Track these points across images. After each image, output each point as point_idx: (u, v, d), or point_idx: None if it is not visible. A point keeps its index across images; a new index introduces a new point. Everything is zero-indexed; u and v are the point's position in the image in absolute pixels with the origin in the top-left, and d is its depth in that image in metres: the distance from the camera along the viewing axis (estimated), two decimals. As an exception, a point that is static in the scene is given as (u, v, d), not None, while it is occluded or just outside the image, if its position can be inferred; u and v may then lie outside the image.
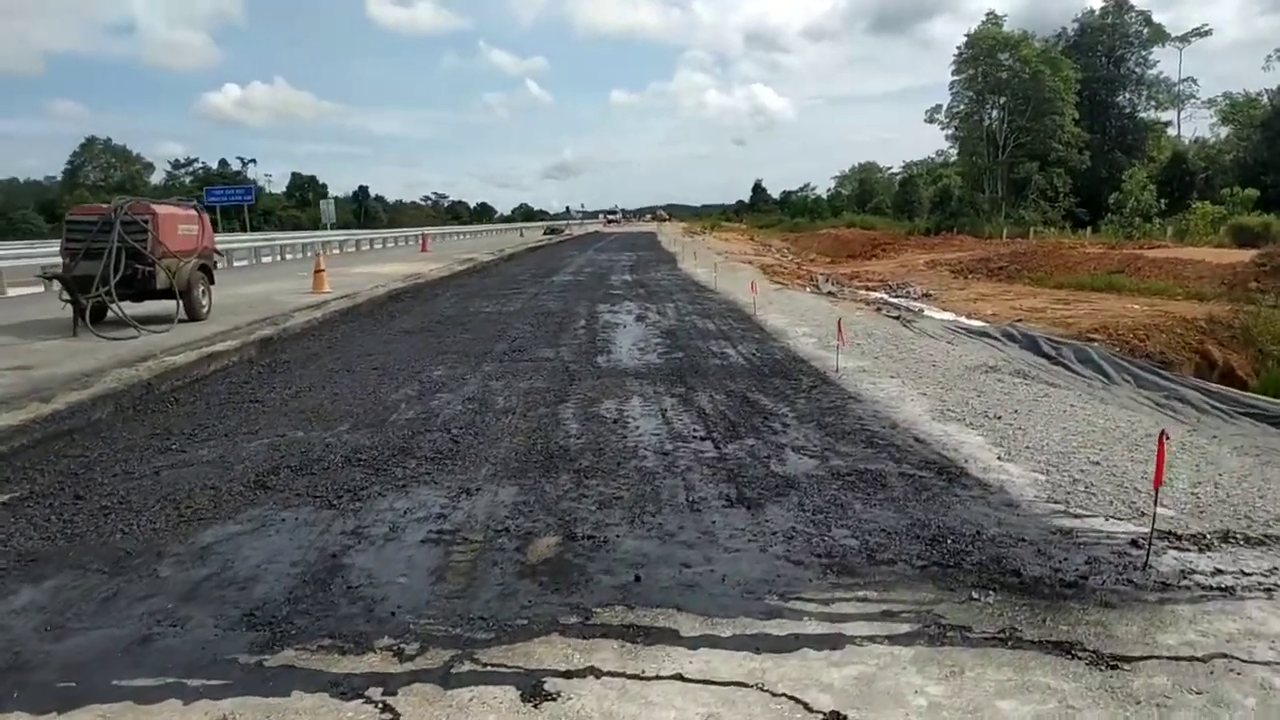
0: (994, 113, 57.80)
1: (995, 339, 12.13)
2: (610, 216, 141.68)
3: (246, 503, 4.69)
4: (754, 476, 5.06)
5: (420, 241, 35.93)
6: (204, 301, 10.99)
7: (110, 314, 10.08)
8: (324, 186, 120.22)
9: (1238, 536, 4.08)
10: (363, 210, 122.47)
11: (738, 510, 4.50)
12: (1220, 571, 3.69)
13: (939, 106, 61.65)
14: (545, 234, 61.69)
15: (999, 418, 6.42)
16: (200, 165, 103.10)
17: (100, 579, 3.77)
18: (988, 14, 56.70)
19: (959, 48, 57.87)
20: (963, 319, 16.96)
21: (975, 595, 3.46)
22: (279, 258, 28.91)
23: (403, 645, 3.10)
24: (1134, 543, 3.98)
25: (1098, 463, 5.28)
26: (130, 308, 10.11)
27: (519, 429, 6.20)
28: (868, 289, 25.37)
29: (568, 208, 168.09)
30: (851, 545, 4.00)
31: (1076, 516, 4.37)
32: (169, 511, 4.56)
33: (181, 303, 10.45)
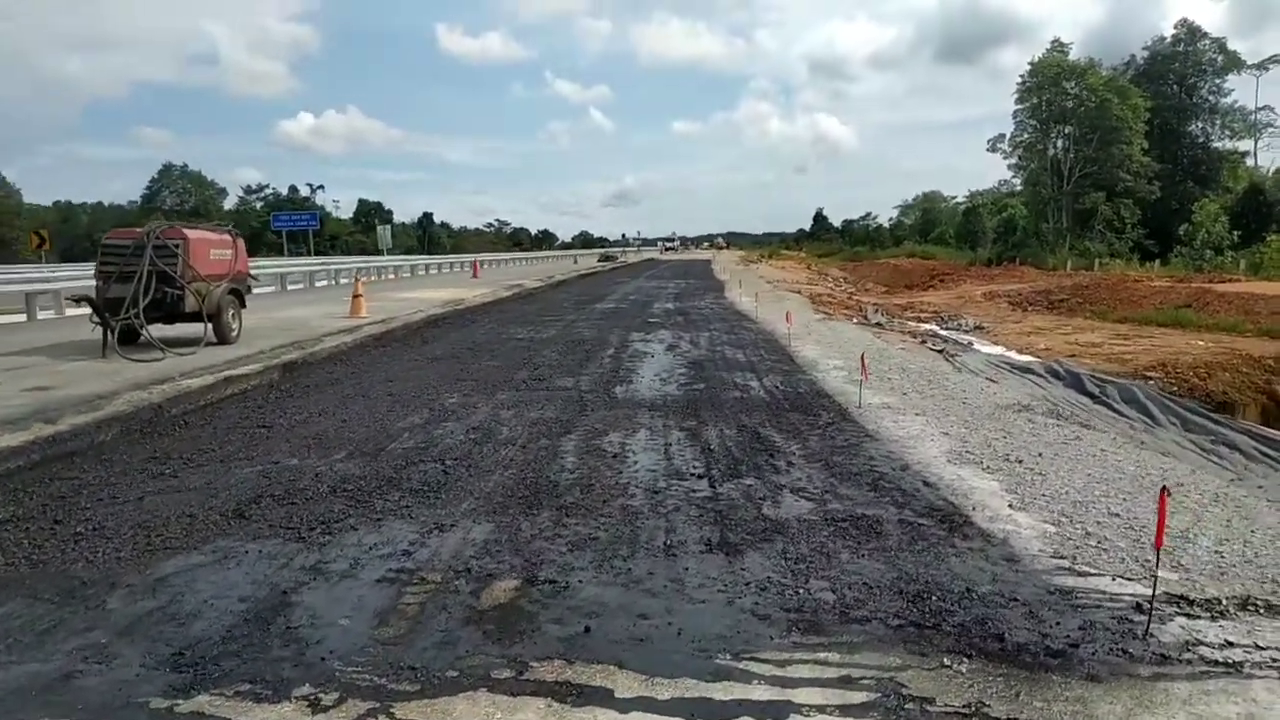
0: (1059, 142, 56.43)
1: (1039, 376, 11.62)
2: (668, 245, 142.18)
3: (218, 533, 4.60)
4: (742, 519, 4.81)
5: (472, 268, 36.34)
6: (234, 325, 11.14)
7: (142, 336, 10.27)
8: (389, 212, 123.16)
9: (1259, 604, 3.70)
10: (426, 236, 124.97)
11: (715, 557, 4.26)
12: (1230, 644, 3.33)
13: (1002, 135, 60.48)
14: (600, 260, 62.02)
15: (1020, 461, 6.06)
16: (271, 191, 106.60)
17: (47, 609, 3.70)
18: (1053, 41, 55.67)
19: (1022, 76, 56.79)
20: (1011, 354, 16.39)
21: (948, 662, 3.17)
22: (334, 282, 29.46)
23: (321, 695, 2.94)
24: (1138, 607, 3.63)
25: (1117, 514, 4.90)
26: (163, 330, 10.29)
27: (514, 461, 6.05)
28: (919, 320, 24.78)
29: (624, 235, 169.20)
30: (826, 600, 3.73)
31: (1081, 575, 4.02)
32: (139, 539, 4.50)
33: (211, 326, 10.59)
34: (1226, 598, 3.76)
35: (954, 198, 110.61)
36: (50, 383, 7.78)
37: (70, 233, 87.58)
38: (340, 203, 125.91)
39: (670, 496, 5.26)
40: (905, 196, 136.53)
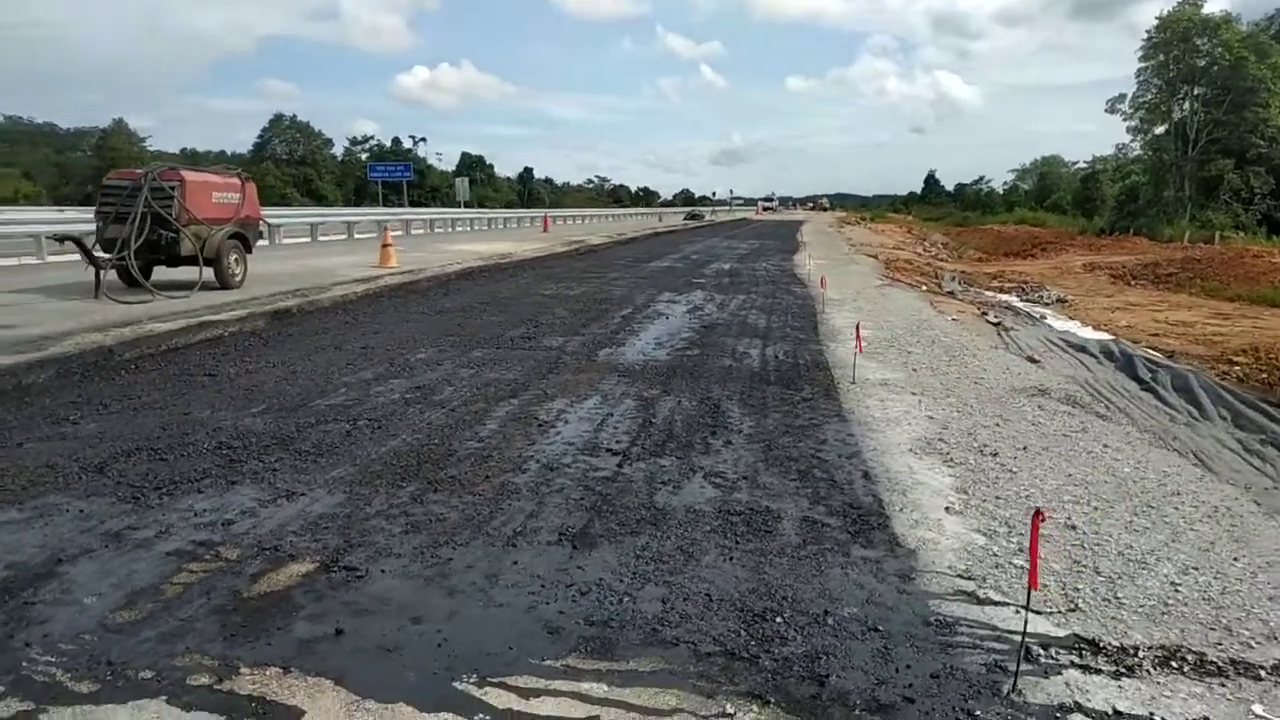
0: (1185, 104, 51.91)
1: (1091, 356, 10.46)
2: (766, 204, 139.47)
3: (57, 488, 4.32)
4: (624, 507, 4.22)
5: (542, 222, 36.07)
6: (236, 270, 11.03)
7: (158, 276, 10.25)
8: (490, 166, 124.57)
9: (1188, 659, 2.92)
10: (526, 190, 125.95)
11: (558, 550, 3.70)
12: (1118, 715, 2.58)
13: (1122, 96, 55.93)
14: (686, 219, 61.04)
15: (995, 455, 5.25)
16: (375, 142, 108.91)
17: None
18: (1188, -7, 50.85)
19: (1148, 32, 52.22)
20: (1082, 330, 15.02)
21: (731, 709, 2.54)
22: (405, 232, 29.65)
23: (-22, 691, 2.53)
24: (1027, 652, 2.90)
25: (1074, 527, 4.11)
26: (168, 274, 10.24)
27: (429, 425, 5.60)
28: (1000, 290, 23.21)
29: (713, 193, 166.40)
30: (647, 613, 3.13)
31: (981, 603, 3.30)
32: (-26, 490, 4.21)
33: (212, 270, 10.49)
34: (1149, 647, 2.99)
35: (1075, 163, 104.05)
36: (14, 320, 7.73)
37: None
38: (443, 155, 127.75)
39: (564, 475, 4.70)
40: (1024, 160, 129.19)
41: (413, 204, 67.83)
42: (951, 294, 19.79)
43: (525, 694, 2.61)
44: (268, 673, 2.69)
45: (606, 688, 2.65)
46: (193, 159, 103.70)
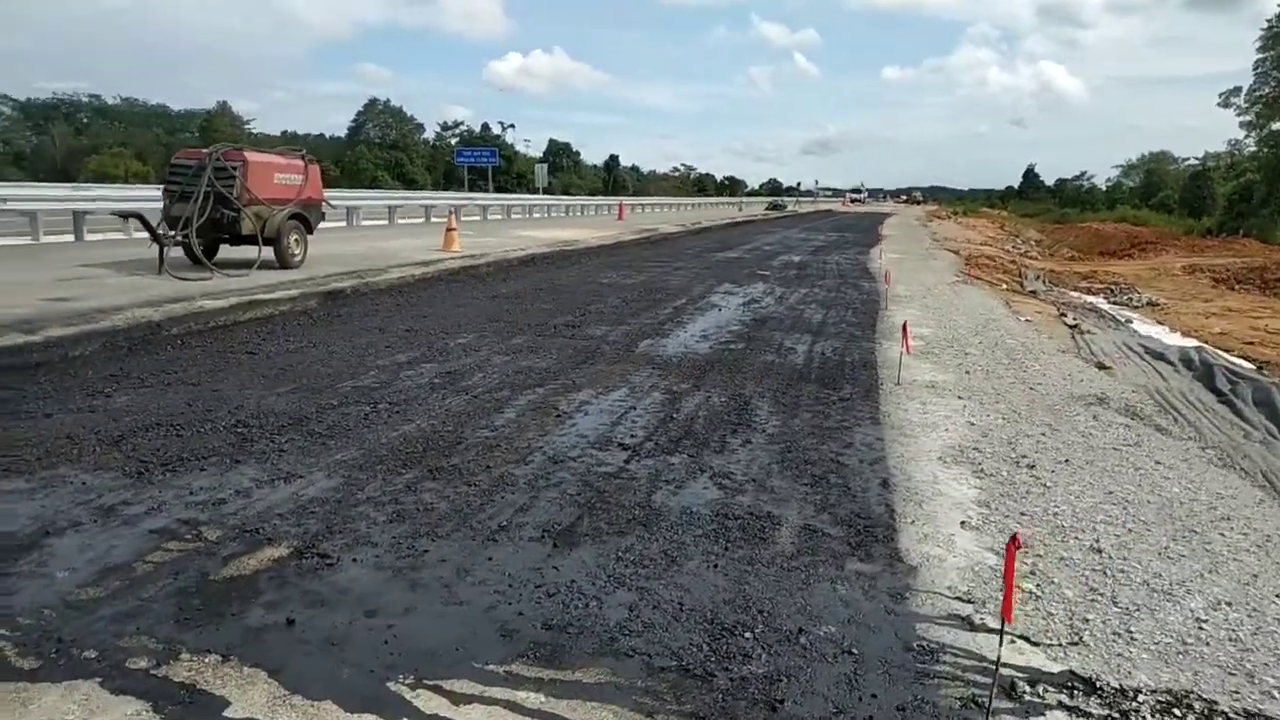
0: (1308, 97, 48.54)
1: (1170, 364, 9.82)
2: (854, 196, 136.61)
3: (69, 459, 4.41)
4: (619, 504, 4.09)
5: (617, 210, 36.04)
6: (296, 250, 11.24)
7: (219, 254, 10.55)
8: (577, 153, 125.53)
9: (1195, 706, 2.64)
10: (612, 178, 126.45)
11: (538, 547, 3.59)
12: (1097, 766, 2.33)
13: (1237, 89, 52.67)
14: (768, 209, 60.27)
15: (1031, 467, 4.93)
16: (465, 128, 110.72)
17: None
18: (1316, -22, 47.33)
19: (1269, 21, 48.99)
20: (1166, 336, 14.18)
21: (667, 732, 2.38)
22: (482, 217, 30.01)
23: (-75, 661, 2.56)
24: (1011, 687, 2.67)
25: (1099, 550, 3.80)
26: (230, 252, 10.51)
27: (446, 411, 5.58)
28: (1088, 292, 22.17)
29: (814, 183, 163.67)
30: (610, 619, 3.00)
31: (975, 628, 3.06)
32: (-6, 458, 4.33)
33: (273, 249, 10.73)
34: (1153, 690, 2.71)
35: (1185, 160, 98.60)
36: (72, 294, 8.03)
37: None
38: (530, 142, 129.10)
39: (567, 468, 4.59)
40: (1130, 156, 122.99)
41: (499, 189, 68.80)
42: (1033, 293, 18.99)
43: (457, 699, 2.50)
44: (206, 660, 2.65)
45: (543, 698, 2.53)
46: (291, 141, 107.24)
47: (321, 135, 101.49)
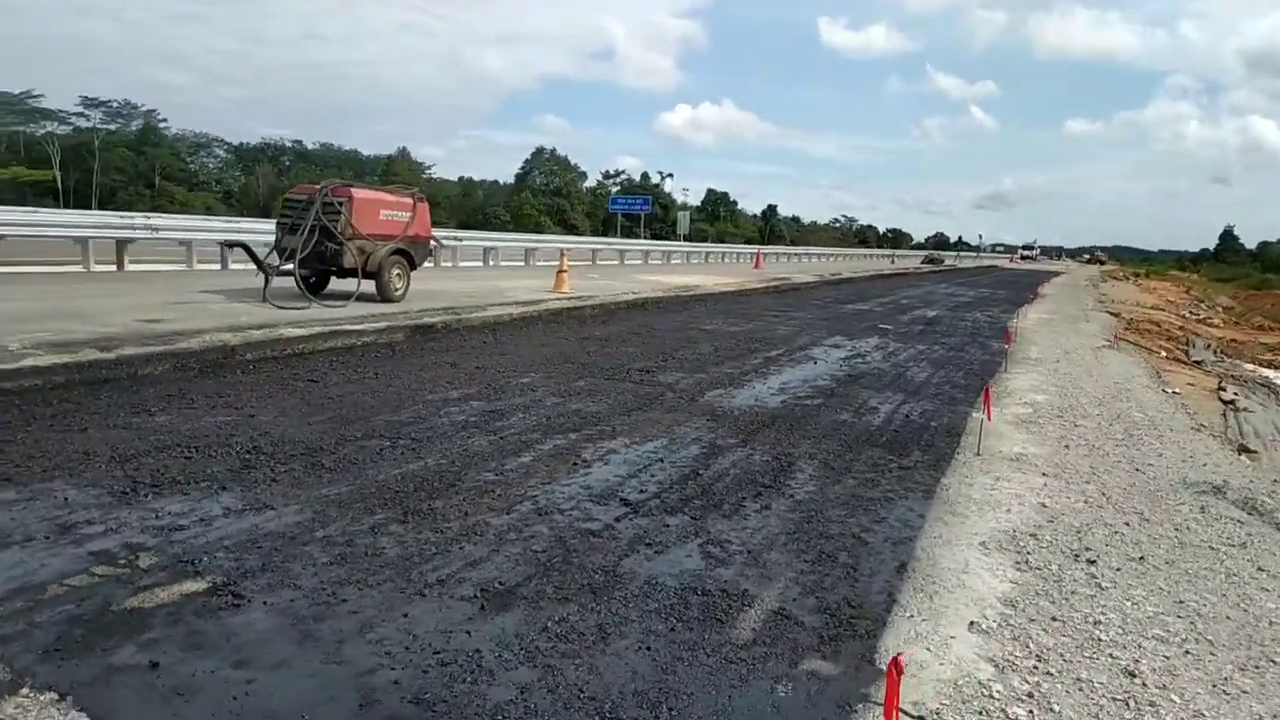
0: None
1: (1336, 451, 8.41)
2: (1025, 253, 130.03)
3: (70, 474, 4.51)
4: (581, 566, 3.76)
5: (754, 259, 35.60)
6: (398, 285, 11.54)
7: (330, 286, 11.00)
8: (734, 203, 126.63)
9: None
10: (768, 227, 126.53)
11: (464, 608, 3.31)
12: None
13: None
14: (923, 263, 58.13)
15: (1092, 562, 4.23)
16: (625, 176, 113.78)
17: None
18: None
19: None
20: (1350, 418, 12.30)
21: None
22: (620, 262, 30.36)
23: None
24: None
25: (1134, 674, 3.12)
26: (339, 285, 10.92)
27: (463, 451, 5.42)
28: (1272, 365, 19.81)
29: (978, 237, 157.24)
30: (492, 700, 2.69)
31: (922, 762, 2.50)
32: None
33: (375, 284, 11.06)
34: None
35: None
36: (168, 316, 8.47)
37: (469, 206, 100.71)
38: (689, 190, 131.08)
39: (548, 522, 4.28)
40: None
41: (654, 236, 69.81)
42: (1199, 363, 17.12)
43: (257, 779, 2.20)
44: (41, 699, 2.50)
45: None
46: (468, 187, 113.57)
47: (496, 181, 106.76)
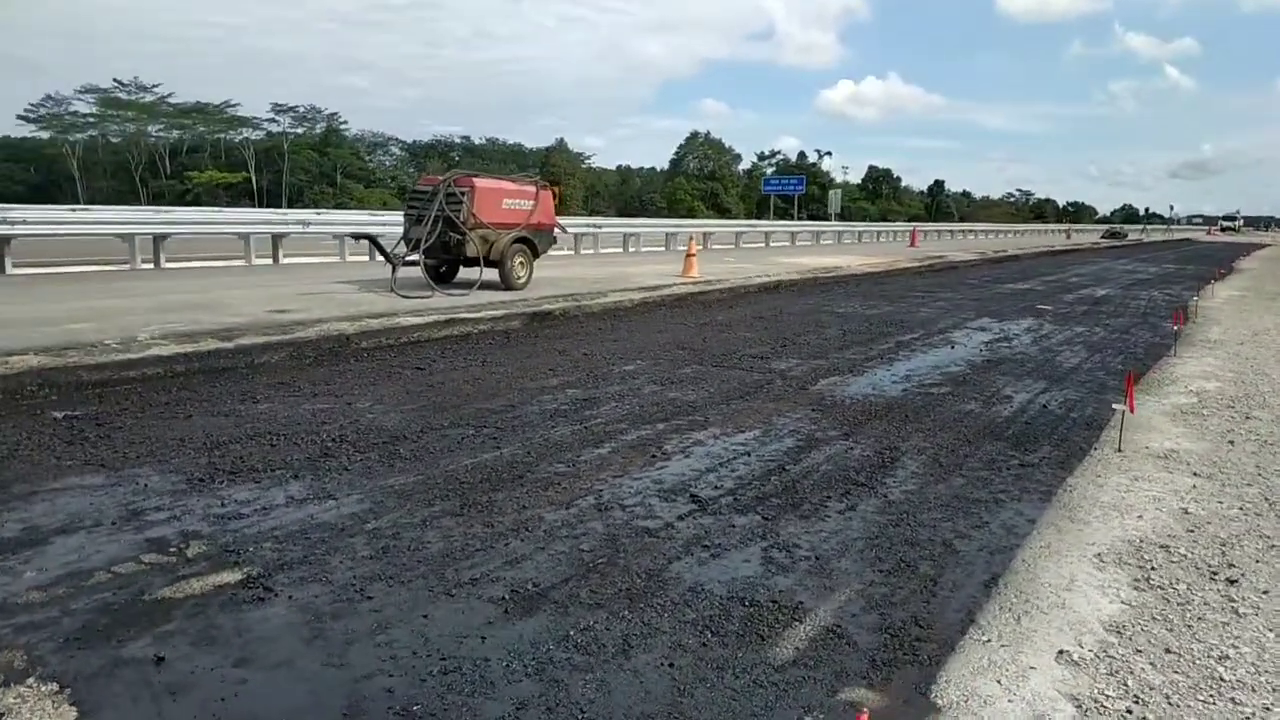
0: None
1: None
2: (1226, 224, 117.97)
3: (157, 461, 4.67)
4: (630, 569, 3.54)
5: (910, 237, 33.93)
6: (521, 273, 11.61)
7: (460, 275, 11.27)
8: (898, 179, 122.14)
9: None
10: (935, 204, 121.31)
11: (488, 610, 3.16)
12: None
13: None
14: (1104, 237, 53.82)
15: (1232, 582, 3.61)
16: (781, 157, 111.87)
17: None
18: None
19: None
20: None
21: None
22: (765, 244, 29.75)
23: None
24: None
25: (1260, 730, 2.57)
26: (467, 274, 11.15)
27: (543, 441, 5.32)
28: None
29: (1170, 208, 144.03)
30: (484, 715, 2.49)
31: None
32: (67, 456, 4.74)
33: (498, 272, 11.20)
34: None
35: None
36: (295, 306, 8.85)
37: (626, 193, 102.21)
38: (849, 169, 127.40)
39: (606, 519, 4.09)
40: None
41: (811, 217, 68.20)
42: None
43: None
44: (43, 689, 2.53)
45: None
46: (625, 174, 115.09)
47: (653, 168, 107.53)
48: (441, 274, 11.62)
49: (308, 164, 75.60)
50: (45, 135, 71.86)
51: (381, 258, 11.03)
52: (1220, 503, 4.61)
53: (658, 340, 9.21)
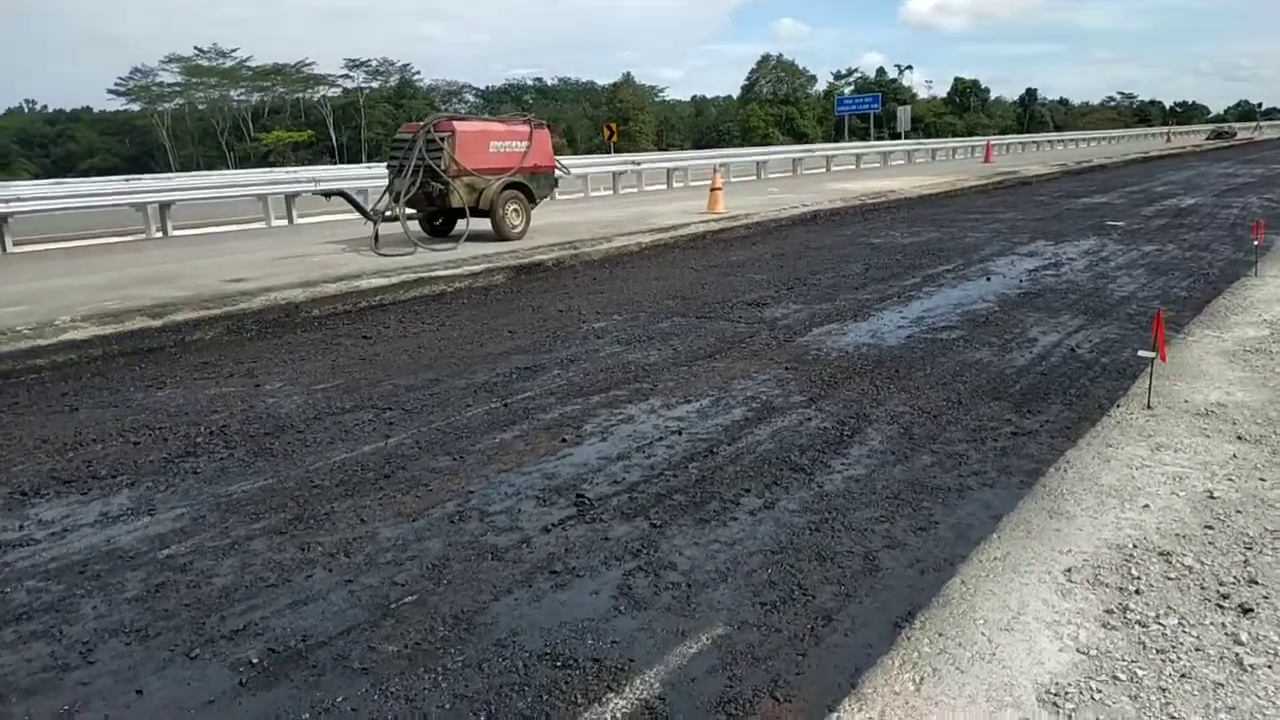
0: None
1: None
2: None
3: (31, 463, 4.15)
4: (426, 615, 2.79)
5: (984, 152, 31.59)
6: (516, 221, 10.78)
7: (454, 229, 10.58)
8: (986, 90, 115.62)
9: None
10: (1028, 114, 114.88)
11: (219, 680, 2.47)
12: None
13: None
14: (1209, 138, 49.58)
15: (1247, 611, 2.68)
16: (859, 75, 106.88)
17: None
18: None
19: None
20: None
21: None
22: (827, 169, 28.16)
23: None
24: None
25: None
26: (476, 224, 10.43)
27: (445, 426, 4.65)
28: None
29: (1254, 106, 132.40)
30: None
31: None
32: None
33: (490, 221, 10.43)
34: None
35: None
36: (259, 274, 8.30)
37: (702, 124, 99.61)
38: (933, 83, 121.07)
39: (463, 529, 3.39)
40: None
41: (893, 136, 65.01)
42: None
43: None
44: None
45: None
46: (700, 105, 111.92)
47: (730, 96, 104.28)
48: (437, 227, 10.92)
49: (384, 118, 75.84)
50: (136, 107, 74.17)
51: (359, 214, 10.37)
52: (1263, 480, 3.60)
53: (651, 289, 8.35)
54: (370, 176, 15.38)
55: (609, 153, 29.42)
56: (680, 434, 4.37)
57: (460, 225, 10.53)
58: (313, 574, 3.04)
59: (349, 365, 5.84)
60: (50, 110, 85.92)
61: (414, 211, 10.38)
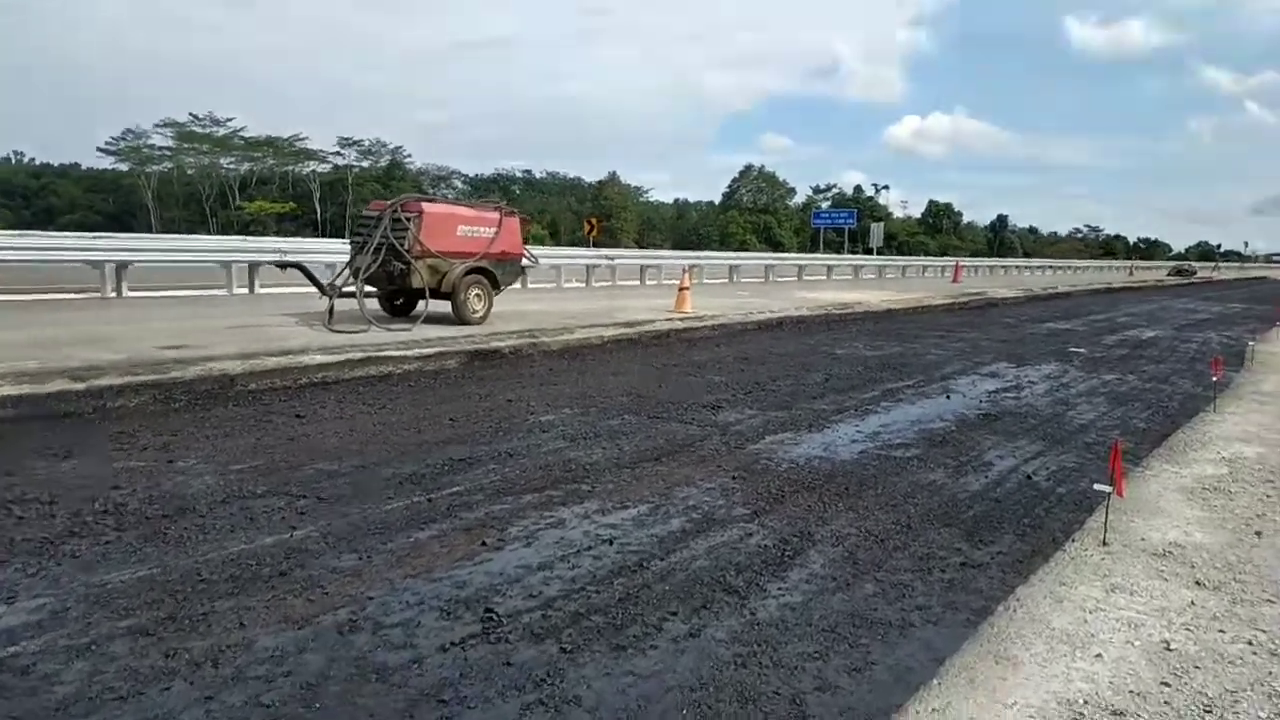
0: None
1: None
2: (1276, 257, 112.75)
3: None
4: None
5: (953, 272, 32.28)
6: (477, 306, 10.63)
7: (415, 309, 10.36)
8: (959, 214, 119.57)
9: None
10: (997, 239, 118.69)
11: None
12: None
13: None
14: (1170, 274, 51.22)
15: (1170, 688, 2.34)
16: (837, 190, 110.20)
17: None
18: None
19: None
20: None
21: None
22: (798, 278, 28.53)
23: None
24: None
25: None
26: (437, 306, 10.23)
27: (355, 520, 4.30)
28: None
29: (1243, 244, 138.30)
30: None
31: None
32: None
33: (451, 305, 10.25)
34: None
35: None
36: (202, 342, 8.00)
37: (682, 227, 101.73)
38: (908, 203, 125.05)
39: (349, 643, 3.04)
40: None
41: (866, 251, 66.48)
42: None
43: None
44: None
45: None
46: (682, 208, 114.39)
47: (711, 202, 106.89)
48: (398, 306, 10.71)
49: (371, 195, 76.74)
50: (124, 167, 74.52)
51: (315, 289, 10.14)
52: (1222, 632, 3.35)
53: (607, 385, 8.13)
54: (345, 252, 15.23)
55: (589, 247, 29.63)
56: (611, 544, 4.08)
57: (420, 306, 10.32)
58: (170, 686, 2.68)
59: (273, 445, 5.51)
60: (38, 163, 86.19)
61: (374, 290, 10.17)
